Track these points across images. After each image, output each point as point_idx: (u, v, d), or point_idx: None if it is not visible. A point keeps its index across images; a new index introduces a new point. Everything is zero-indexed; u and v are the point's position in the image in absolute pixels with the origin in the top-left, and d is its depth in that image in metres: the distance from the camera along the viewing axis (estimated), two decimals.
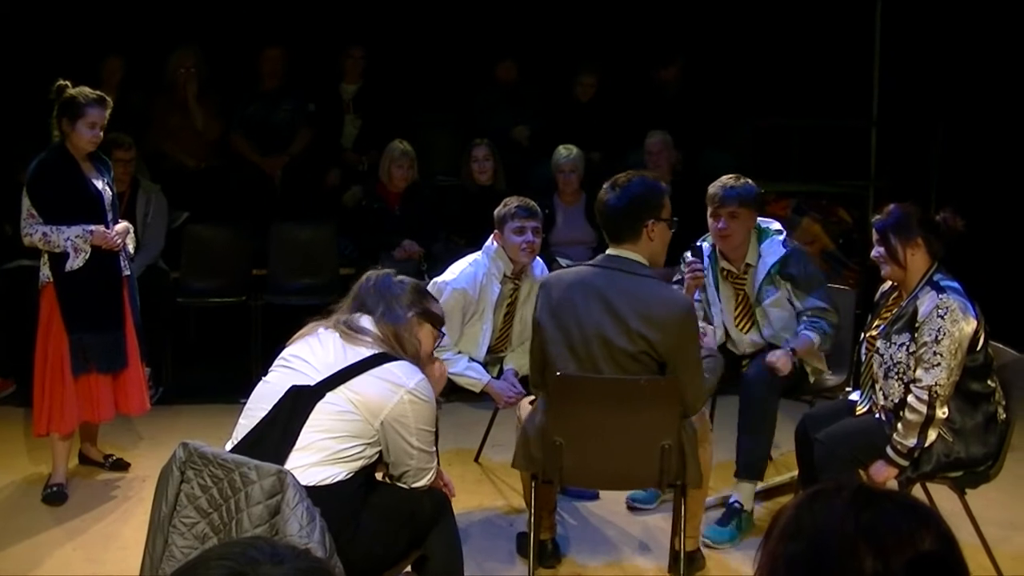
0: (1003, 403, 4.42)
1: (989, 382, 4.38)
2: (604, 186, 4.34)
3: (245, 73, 8.62)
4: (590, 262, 4.39)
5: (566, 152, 7.72)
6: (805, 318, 5.25)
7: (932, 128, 9.08)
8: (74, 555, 4.92)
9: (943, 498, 4.56)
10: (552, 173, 7.80)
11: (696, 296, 5.28)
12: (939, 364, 4.22)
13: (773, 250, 5.27)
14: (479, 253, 5.43)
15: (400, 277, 3.76)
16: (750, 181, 5.32)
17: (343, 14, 9.10)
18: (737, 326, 5.40)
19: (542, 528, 4.71)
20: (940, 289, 4.30)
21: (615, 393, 4.14)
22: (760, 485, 5.30)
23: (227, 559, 1.44)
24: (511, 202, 5.42)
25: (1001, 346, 4.55)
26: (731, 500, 5.19)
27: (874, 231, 4.56)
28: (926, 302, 4.29)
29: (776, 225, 5.44)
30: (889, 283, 4.68)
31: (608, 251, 4.31)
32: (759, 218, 5.43)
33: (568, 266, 7.30)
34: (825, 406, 5.10)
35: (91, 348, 5.43)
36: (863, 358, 4.70)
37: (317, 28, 9.06)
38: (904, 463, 4.32)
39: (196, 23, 8.69)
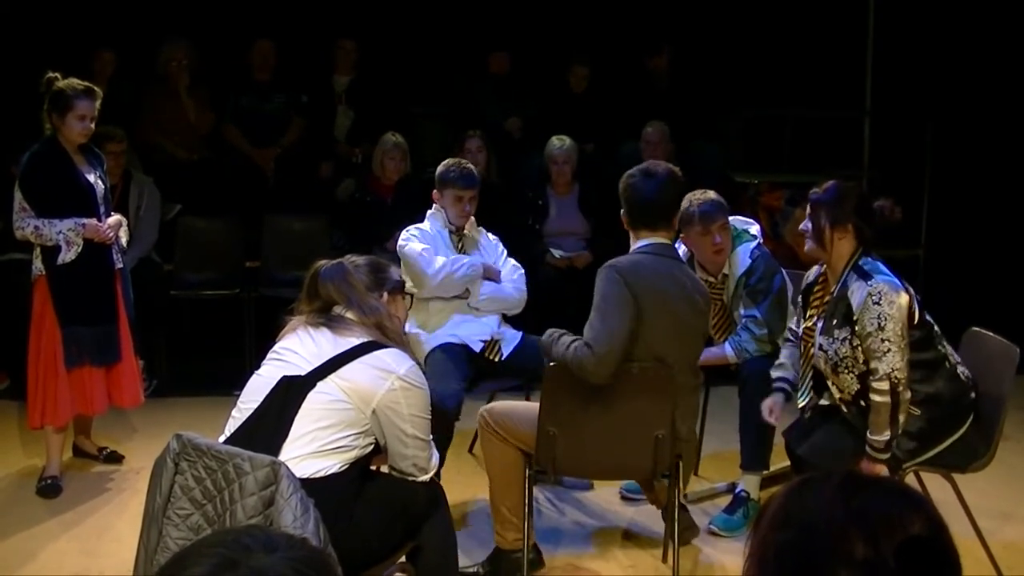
0: (958, 361, 4.42)
1: (938, 346, 4.38)
2: (631, 174, 4.42)
3: (236, 65, 8.61)
4: (650, 251, 4.34)
5: (559, 143, 7.71)
6: (739, 325, 5.26)
7: (925, 118, 9.08)
8: (69, 547, 4.92)
9: (936, 488, 4.56)
10: (545, 164, 7.80)
11: None
12: (890, 350, 4.19)
13: (741, 260, 5.26)
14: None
15: (352, 260, 3.73)
16: (712, 192, 5.31)
17: (334, 5, 9.09)
18: (715, 334, 5.39)
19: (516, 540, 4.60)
20: (866, 275, 4.27)
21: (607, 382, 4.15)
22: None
23: (219, 547, 1.43)
24: (452, 166, 5.57)
25: (989, 333, 4.56)
26: (738, 490, 5.23)
27: (809, 203, 4.53)
28: (856, 293, 4.26)
29: (754, 229, 5.41)
30: (815, 269, 4.64)
31: (654, 240, 4.35)
32: (741, 218, 5.44)
33: (563, 257, 7.36)
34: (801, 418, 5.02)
35: (84, 341, 5.43)
36: (801, 349, 4.66)
37: (308, 20, 9.05)
38: (884, 457, 4.29)
39: (187, 15, 8.68)
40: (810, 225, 4.47)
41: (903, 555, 1.46)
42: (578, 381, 4.17)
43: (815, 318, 4.52)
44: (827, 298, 4.48)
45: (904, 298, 4.23)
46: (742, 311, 5.22)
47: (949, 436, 4.39)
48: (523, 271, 5.67)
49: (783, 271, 5.36)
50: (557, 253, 7.46)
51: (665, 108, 8.47)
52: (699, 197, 5.23)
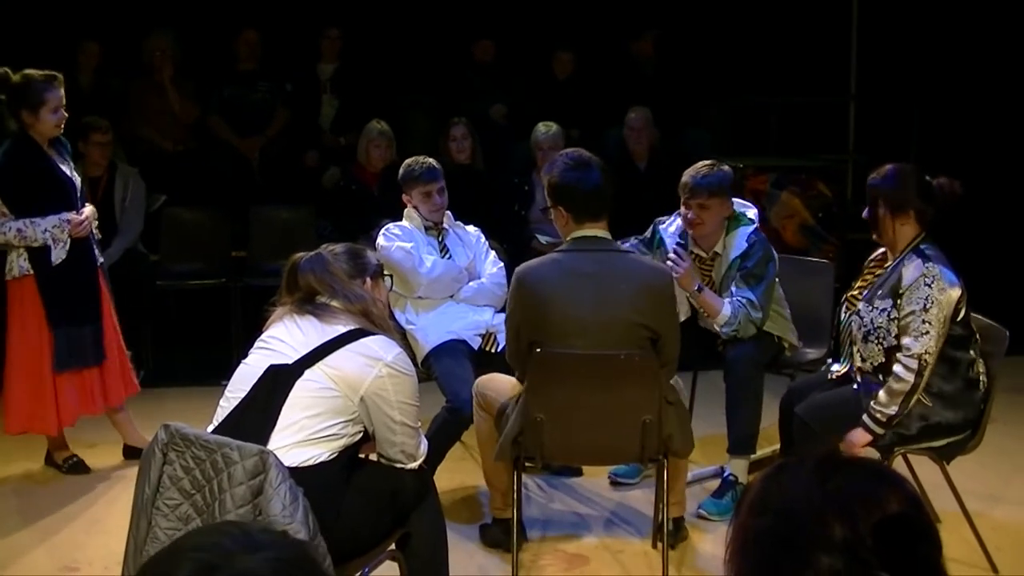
0: (983, 371, 4.42)
1: (971, 351, 4.39)
2: (566, 167, 4.35)
3: (221, 55, 8.60)
4: (564, 249, 4.37)
5: (545, 129, 7.71)
6: (733, 299, 5.21)
7: (911, 101, 9.09)
8: (58, 540, 4.91)
9: (925, 471, 4.59)
10: (531, 150, 7.80)
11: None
12: (928, 332, 4.21)
13: (737, 243, 5.22)
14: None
15: (330, 248, 3.72)
16: (725, 167, 5.23)
17: None
18: (700, 311, 5.38)
19: (506, 507, 4.67)
20: (925, 257, 4.28)
21: (595, 368, 4.16)
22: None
23: (199, 551, 1.39)
24: (413, 165, 5.54)
25: (978, 316, 4.56)
26: (726, 474, 5.23)
27: (867, 189, 4.50)
28: (911, 269, 4.27)
29: (752, 213, 5.36)
30: (880, 251, 4.63)
31: (581, 233, 4.33)
32: (739, 201, 5.40)
33: (548, 243, 7.35)
34: (807, 379, 5.09)
35: (75, 342, 5.38)
36: (842, 317, 4.66)
37: (293, 9, 9.03)
38: (880, 431, 4.32)
39: (172, 6, 8.66)
40: (868, 213, 4.45)
41: (880, 533, 1.47)
42: (563, 367, 4.19)
43: (864, 290, 4.53)
44: (880, 272, 4.50)
45: (955, 292, 4.26)
46: (734, 289, 5.18)
47: (947, 438, 4.41)
48: (503, 266, 5.64)
49: (776, 258, 5.31)
50: (543, 239, 7.46)
51: (650, 94, 8.47)
52: (699, 169, 5.18)
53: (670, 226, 5.42)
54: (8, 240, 5.31)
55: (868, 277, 4.59)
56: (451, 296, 5.47)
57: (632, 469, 5.45)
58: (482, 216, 6.07)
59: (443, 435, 4.98)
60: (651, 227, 5.51)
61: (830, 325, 5.38)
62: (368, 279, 3.70)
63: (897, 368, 4.27)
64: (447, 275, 5.42)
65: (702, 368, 5.82)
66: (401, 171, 5.59)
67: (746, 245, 5.20)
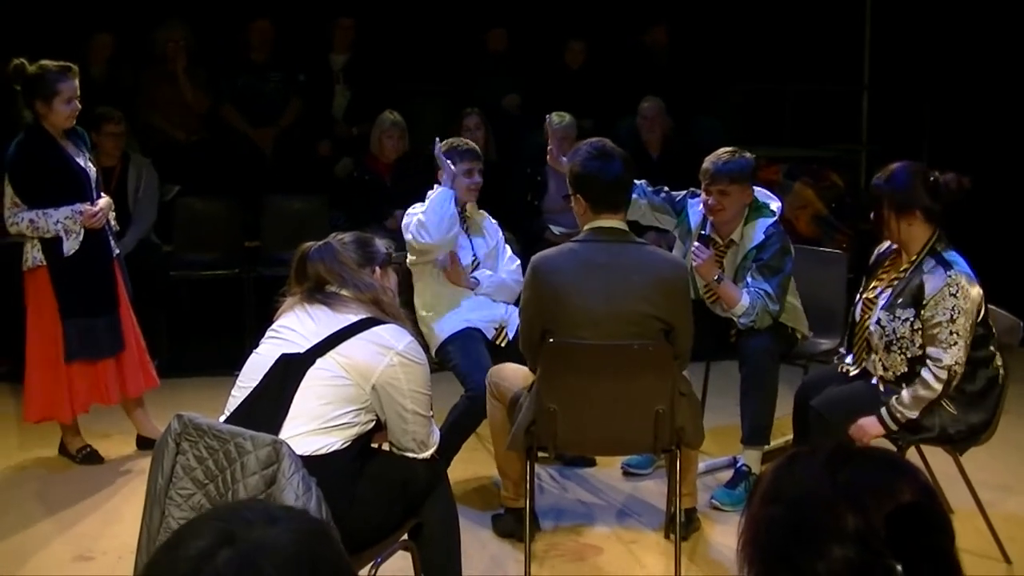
0: (1001, 364, 4.40)
1: (991, 347, 4.37)
2: (589, 156, 4.35)
3: (234, 45, 8.59)
4: (581, 239, 4.35)
5: (559, 119, 7.68)
6: (751, 289, 5.18)
7: (924, 91, 9.06)
8: (73, 529, 4.93)
9: (938, 461, 4.58)
10: (545, 140, 7.77)
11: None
12: (956, 343, 4.17)
13: (755, 235, 5.19)
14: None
15: (338, 237, 3.71)
16: (746, 154, 5.21)
17: None
18: (706, 295, 5.37)
19: (518, 497, 4.67)
20: (947, 264, 4.22)
21: (608, 359, 4.16)
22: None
23: (219, 521, 1.42)
24: (458, 143, 5.53)
25: (991, 307, 4.54)
26: (739, 464, 5.22)
27: (871, 190, 4.45)
28: (933, 279, 4.21)
29: (775, 204, 5.32)
30: (887, 243, 4.60)
31: (598, 224, 4.32)
32: (762, 191, 5.38)
33: (562, 234, 7.33)
34: (822, 372, 5.06)
35: (87, 333, 5.39)
36: (858, 318, 4.61)
37: None
38: (894, 428, 4.31)
39: None
40: (873, 215, 4.41)
41: (893, 523, 1.47)
42: (576, 357, 4.19)
43: (879, 289, 4.49)
44: (895, 275, 4.44)
45: (977, 291, 4.22)
46: (750, 280, 5.16)
47: (966, 436, 4.41)
48: (519, 262, 5.61)
49: (793, 252, 5.28)
50: (556, 229, 7.45)
51: (663, 83, 8.45)
52: (721, 155, 5.17)
53: (698, 204, 5.36)
54: (21, 231, 5.33)
55: (884, 277, 4.53)
56: (472, 290, 5.44)
57: (645, 460, 5.45)
58: (495, 206, 6.05)
59: (461, 425, 4.98)
60: (684, 194, 5.44)
61: (843, 315, 5.37)
62: (377, 268, 3.70)
63: (926, 375, 4.23)
64: (436, 214, 5.23)
65: (715, 359, 5.82)
66: (444, 148, 5.47)
67: (763, 237, 5.17)
